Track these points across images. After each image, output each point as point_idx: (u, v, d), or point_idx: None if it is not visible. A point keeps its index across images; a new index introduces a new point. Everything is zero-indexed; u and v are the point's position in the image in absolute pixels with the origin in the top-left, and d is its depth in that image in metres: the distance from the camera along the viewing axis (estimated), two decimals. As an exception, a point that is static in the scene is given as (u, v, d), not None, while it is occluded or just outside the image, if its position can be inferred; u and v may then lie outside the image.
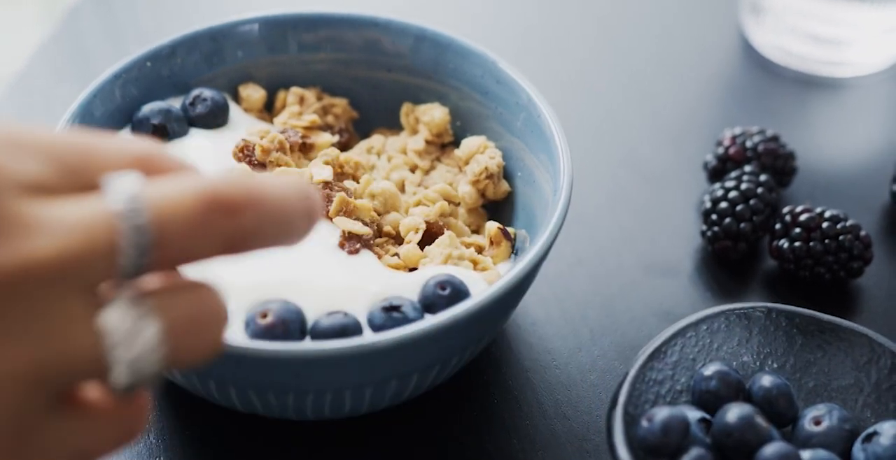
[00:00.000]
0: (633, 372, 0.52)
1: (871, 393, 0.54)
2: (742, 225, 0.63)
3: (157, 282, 0.37)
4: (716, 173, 0.68)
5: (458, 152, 0.61)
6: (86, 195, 0.35)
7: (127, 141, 0.38)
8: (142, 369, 0.35)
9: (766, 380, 0.53)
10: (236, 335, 0.50)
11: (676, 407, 0.51)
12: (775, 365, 0.55)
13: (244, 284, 0.52)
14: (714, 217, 0.64)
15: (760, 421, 0.50)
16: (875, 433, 0.51)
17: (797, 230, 0.62)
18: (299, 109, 0.63)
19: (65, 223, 0.33)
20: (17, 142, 0.34)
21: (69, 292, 0.33)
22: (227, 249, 0.37)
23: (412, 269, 0.55)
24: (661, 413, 0.49)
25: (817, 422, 0.52)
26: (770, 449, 0.49)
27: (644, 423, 0.49)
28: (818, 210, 0.63)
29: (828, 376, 0.55)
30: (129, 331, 0.34)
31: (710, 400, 0.53)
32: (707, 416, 0.52)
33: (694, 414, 0.52)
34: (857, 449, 0.51)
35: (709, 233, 0.65)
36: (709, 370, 0.53)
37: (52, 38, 0.80)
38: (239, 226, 0.36)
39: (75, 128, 0.55)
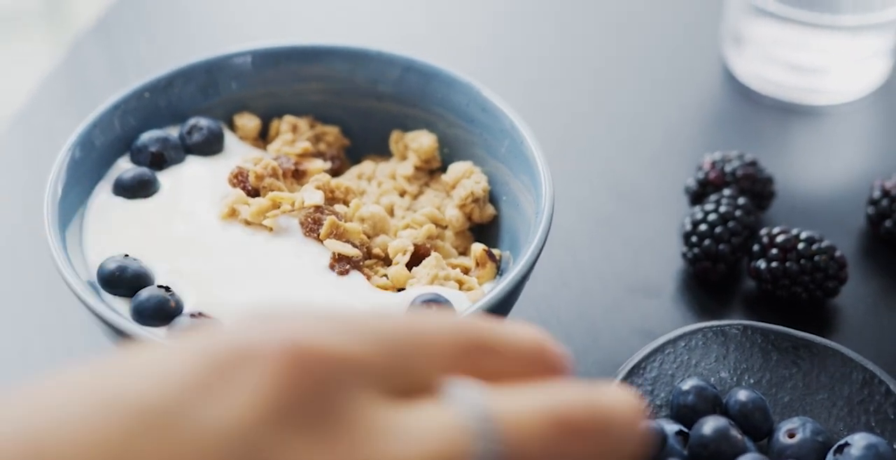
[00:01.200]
0: (612, 388, 0.54)
1: (844, 406, 0.56)
2: (721, 246, 0.66)
3: None
4: (696, 197, 0.70)
5: (445, 177, 0.63)
6: (428, 400, 0.33)
7: (453, 326, 0.35)
8: None
9: (742, 395, 0.55)
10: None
11: (654, 421, 0.53)
12: (752, 381, 0.57)
13: (238, 302, 0.54)
14: (694, 239, 0.66)
15: (735, 433, 0.52)
16: (846, 444, 0.52)
17: (774, 251, 0.64)
18: (292, 137, 0.65)
19: (415, 433, 0.32)
20: (347, 353, 0.33)
21: None
22: None
23: (400, 289, 0.57)
24: (639, 425, 0.51)
25: (791, 435, 0.54)
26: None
27: (622, 435, 0.51)
28: (794, 231, 0.65)
29: (802, 391, 0.57)
30: None
31: (687, 414, 0.54)
32: (684, 429, 0.54)
33: (671, 428, 0.54)
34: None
35: (689, 255, 0.67)
36: (686, 385, 0.55)
37: (55, 71, 0.83)
38: (585, 450, 0.34)
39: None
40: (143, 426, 0.30)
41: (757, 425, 0.55)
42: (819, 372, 0.57)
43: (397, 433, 0.32)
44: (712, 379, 0.57)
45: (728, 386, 0.57)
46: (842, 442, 0.53)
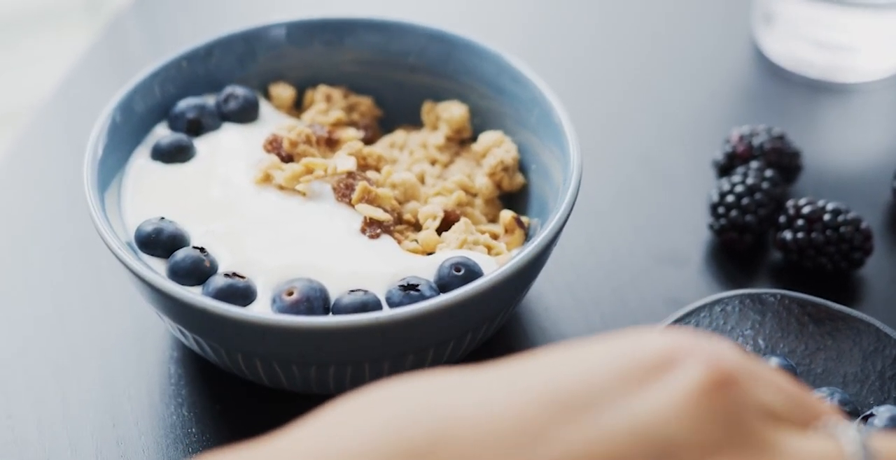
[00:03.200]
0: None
1: (876, 380, 0.56)
2: (747, 217, 0.66)
3: None
4: (724, 170, 0.71)
5: (475, 146, 0.64)
6: (809, 433, 0.37)
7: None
8: None
9: (774, 362, 0.56)
10: (264, 310, 0.54)
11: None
12: (786, 350, 0.58)
13: (274, 265, 0.55)
14: (721, 210, 0.67)
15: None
16: (871, 415, 0.53)
17: (800, 222, 0.65)
18: (326, 107, 0.66)
19: (801, 454, 0.35)
20: (756, 375, 0.37)
21: None
22: None
23: (429, 253, 0.59)
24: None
25: (819, 404, 0.55)
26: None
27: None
28: (820, 203, 0.65)
29: (835, 362, 0.57)
30: None
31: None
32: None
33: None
34: (854, 429, 0.53)
35: (716, 226, 0.67)
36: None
37: (95, 46, 0.84)
38: None
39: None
40: (563, 409, 0.34)
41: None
42: (853, 345, 0.57)
43: (799, 454, 0.35)
44: (747, 346, 0.57)
45: (762, 354, 0.57)
46: (867, 412, 0.53)
